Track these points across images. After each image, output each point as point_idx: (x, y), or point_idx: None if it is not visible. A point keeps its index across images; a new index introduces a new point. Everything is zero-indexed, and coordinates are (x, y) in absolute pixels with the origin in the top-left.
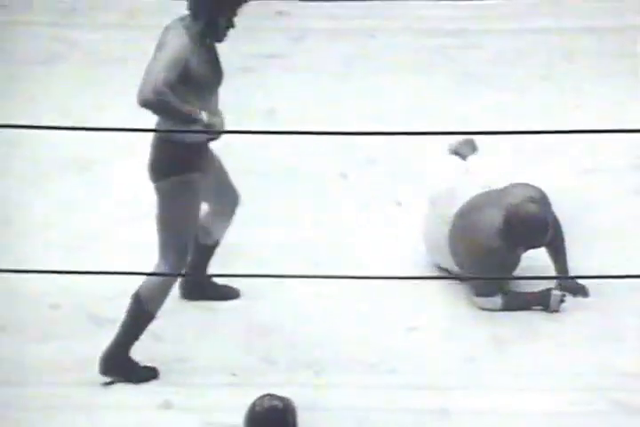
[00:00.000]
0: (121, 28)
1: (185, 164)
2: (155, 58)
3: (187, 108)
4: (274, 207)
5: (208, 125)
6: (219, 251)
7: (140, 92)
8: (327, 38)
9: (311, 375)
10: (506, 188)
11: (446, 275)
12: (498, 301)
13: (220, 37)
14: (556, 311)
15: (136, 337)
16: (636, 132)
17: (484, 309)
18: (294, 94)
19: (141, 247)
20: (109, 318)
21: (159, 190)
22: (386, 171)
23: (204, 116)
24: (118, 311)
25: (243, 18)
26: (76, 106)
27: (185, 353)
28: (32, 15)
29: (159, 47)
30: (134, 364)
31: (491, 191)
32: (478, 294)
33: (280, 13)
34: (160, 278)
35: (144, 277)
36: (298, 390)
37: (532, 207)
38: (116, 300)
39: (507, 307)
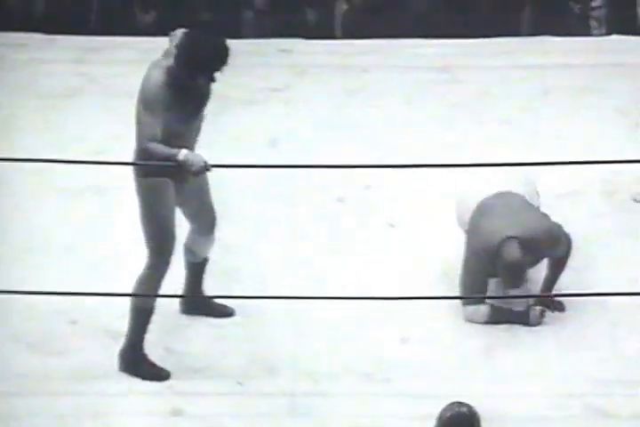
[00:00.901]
0: (137, 64)
1: (160, 168)
2: (139, 101)
3: (169, 152)
4: (276, 229)
5: (184, 162)
6: (224, 269)
7: (136, 143)
8: (326, 73)
9: (311, 384)
10: (530, 210)
11: None
12: (484, 311)
13: (200, 89)
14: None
15: (143, 332)
16: (605, 164)
17: (469, 320)
18: (295, 125)
19: None
20: (124, 333)
21: (137, 188)
22: (380, 196)
23: (182, 156)
24: None
25: (249, 55)
26: (95, 136)
27: (194, 364)
28: (54, 53)
29: (142, 90)
30: (148, 361)
31: (521, 199)
32: (465, 303)
33: (283, 51)
34: (149, 277)
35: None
36: (298, 398)
37: (516, 253)
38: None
39: (490, 320)
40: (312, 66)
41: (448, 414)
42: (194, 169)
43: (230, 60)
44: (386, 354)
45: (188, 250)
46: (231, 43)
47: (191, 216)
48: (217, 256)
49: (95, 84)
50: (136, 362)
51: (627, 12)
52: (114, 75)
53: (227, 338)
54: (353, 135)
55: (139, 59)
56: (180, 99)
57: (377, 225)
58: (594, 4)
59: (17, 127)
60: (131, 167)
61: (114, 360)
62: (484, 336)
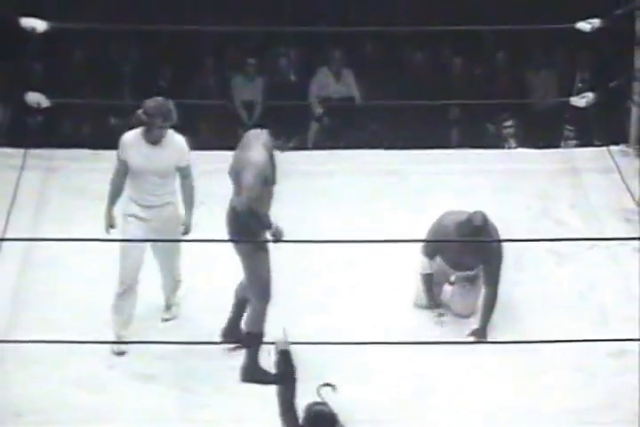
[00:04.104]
0: None
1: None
2: (240, 168)
3: (267, 217)
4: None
5: (278, 232)
6: None
7: (238, 202)
8: (301, 178)
9: None
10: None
11: None
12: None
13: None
14: None
15: (258, 352)
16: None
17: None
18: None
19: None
20: (153, 375)
21: (242, 248)
22: (352, 265)
23: (275, 223)
24: (161, 370)
25: None
26: None
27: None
28: (97, 164)
29: (240, 158)
30: (263, 370)
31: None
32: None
33: None
34: (259, 313)
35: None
36: None
37: (480, 222)
38: (159, 361)
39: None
40: (288, 172)
41: (313, 411)
42: (275, 238)
43: (227, 165)
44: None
45: (243, 287)
46: (228, 154)
47: None
48: None
49: None
50: (257, 373)
51: (530, 131)
52: None
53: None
54: (324, 225)
55: None
56: (272, 169)
57: (351, 287)
58: (506, 124)
59: (71, 221)
60: (228, 226)
61: (143, 401)
62: (434, 376)
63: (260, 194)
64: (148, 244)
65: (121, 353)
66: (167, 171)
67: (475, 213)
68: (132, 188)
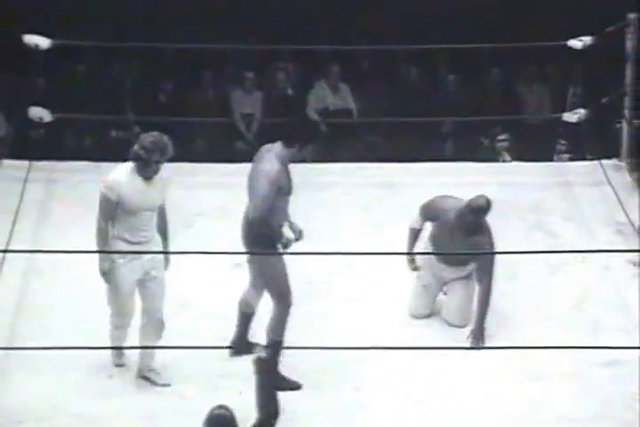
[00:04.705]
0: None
1: (268, 237)
2: (254, 178)
3: (278, 231)
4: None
5: (287, 243)
6: None
7: (251, 210)
8: (299, 189)
9: None
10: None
11: None
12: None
13: (297, 159)
14: None
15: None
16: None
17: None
18: None
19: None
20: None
21: (251, 260)
22: (343, 279)
23: (285, 236)
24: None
25: (242, 175)
26: None
27: None
28: (98, 175)
29: (254, 170)
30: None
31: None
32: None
33: None
34: (282, 315)
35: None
36: None
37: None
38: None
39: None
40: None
41: (214, 414)
42: (285, 246)
43: (228, 179)
44: (342, 399)
45: (245, 302)
46: (226, 166)
47: (253, 277)
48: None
49: None
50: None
51: (524, 145)
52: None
53: None
54: (319, 240)
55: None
56: (286, 178)
57: (341, 302)
58: (500, 138)
59: (73, 231)
60: (243, 237)
61: (141, 407)
62: (430, 379)
63: (274, 203)
64: (137, 286)
65: (120, 365)
66: (158, 205)
67: (479, 196)
68: (125, 226)
